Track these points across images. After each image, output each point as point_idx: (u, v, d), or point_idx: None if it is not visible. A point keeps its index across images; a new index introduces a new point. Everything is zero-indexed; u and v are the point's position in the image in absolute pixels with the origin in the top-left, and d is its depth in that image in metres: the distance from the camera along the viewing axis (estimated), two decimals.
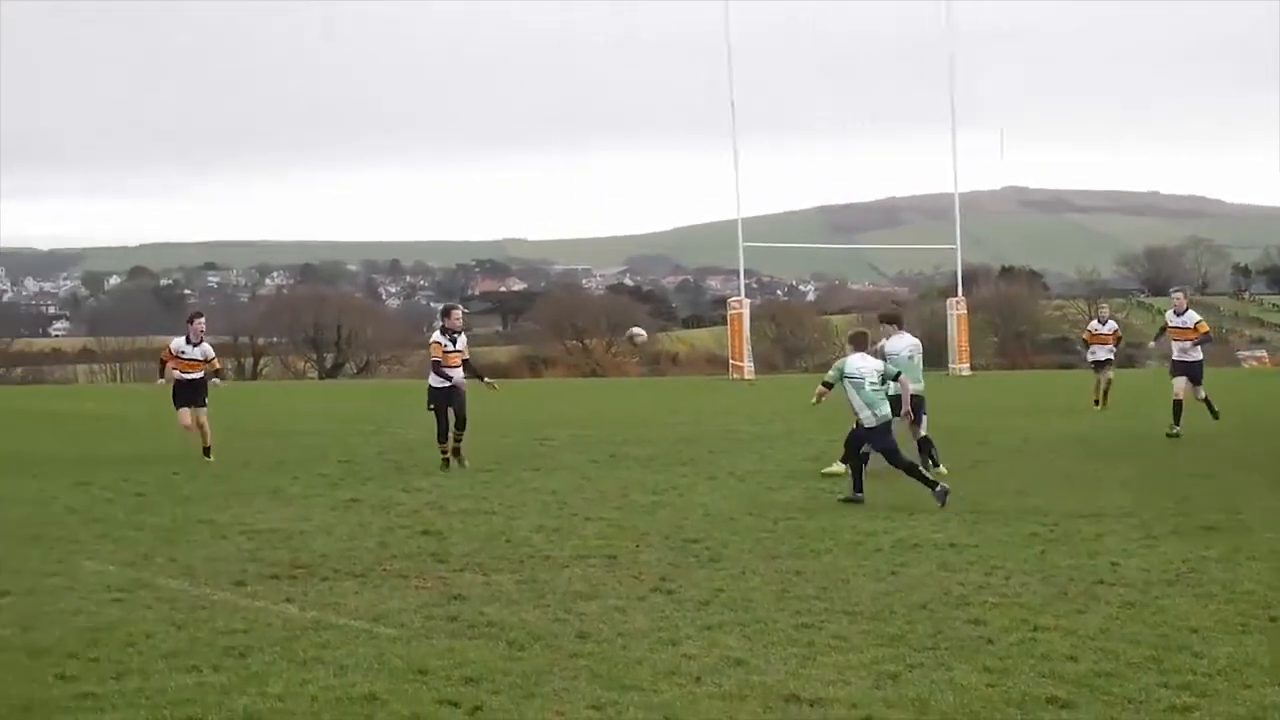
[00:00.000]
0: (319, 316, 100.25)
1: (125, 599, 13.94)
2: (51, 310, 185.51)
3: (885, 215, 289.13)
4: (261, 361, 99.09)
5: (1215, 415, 31.23)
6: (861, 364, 21.55)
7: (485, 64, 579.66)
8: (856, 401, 21.38)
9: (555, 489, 22.67)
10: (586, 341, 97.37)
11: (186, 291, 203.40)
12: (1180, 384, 30.78)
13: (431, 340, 26.87)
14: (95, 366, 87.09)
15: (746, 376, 64.59)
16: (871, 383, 21.39)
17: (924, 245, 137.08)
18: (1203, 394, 31.24)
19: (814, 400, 22.15)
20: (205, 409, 27.82)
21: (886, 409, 21.43)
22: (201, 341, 28.33)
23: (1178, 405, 30.29)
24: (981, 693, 10.48)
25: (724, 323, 77.92)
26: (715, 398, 48.73)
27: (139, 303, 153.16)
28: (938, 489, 20.49)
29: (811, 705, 10.20)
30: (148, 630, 12.47)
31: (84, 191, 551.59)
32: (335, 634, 12.39)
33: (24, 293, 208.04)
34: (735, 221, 68.63)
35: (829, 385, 21.66)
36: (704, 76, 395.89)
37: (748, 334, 67.44)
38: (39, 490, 22.38)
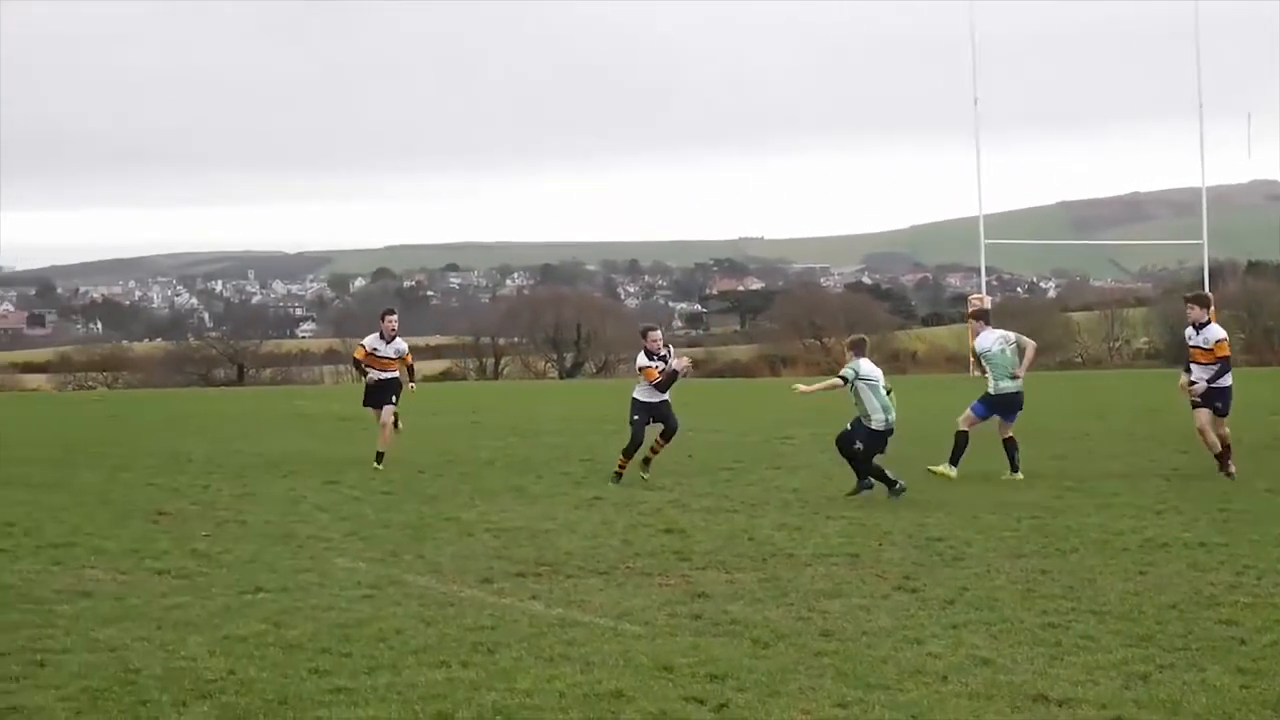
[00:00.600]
0: (558, 316, 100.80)
1: (375, 595, 14.19)
2: (299, 312, 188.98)
3: (1129, 210, 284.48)
4: (502, 361, 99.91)
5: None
6: (872, 369, 22.06)
7: (722, 63, 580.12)
8: (874, 404, 21.80)
9: (796, 487, 22.65)
10: (825, 340, 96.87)
11: (429, 293, 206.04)
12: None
13: (640, 367, 24.38)
14: (341, 367, 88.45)
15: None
16: (885, 387, 21.90)
17: (1168, 241, 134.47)
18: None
19: (804, 390, 22.54)
20: (394, 406, 26.86)
21: (894, 416, 21.99)
22: (395, 339, 27.29)
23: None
24: (1235, 694, 10.30)
25: (963, 320, 77.15)
26: (955, 395, 48.27)
27: (382, 304, 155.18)
28: (896, 486, 21.43)
29: (1060, 705, 10.10)
30: (398, 626, 12.67)
31: (333, 196, 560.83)
32: (581, 631, 12.49)
33: (272, 295, 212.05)
34: (975, 219, 67.99)
35: (844, 380, 21.98)
36: (942, 73, 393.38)
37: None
38: (289, 489, 22.83)
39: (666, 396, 24.42)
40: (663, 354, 24.31)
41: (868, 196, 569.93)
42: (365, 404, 27.31)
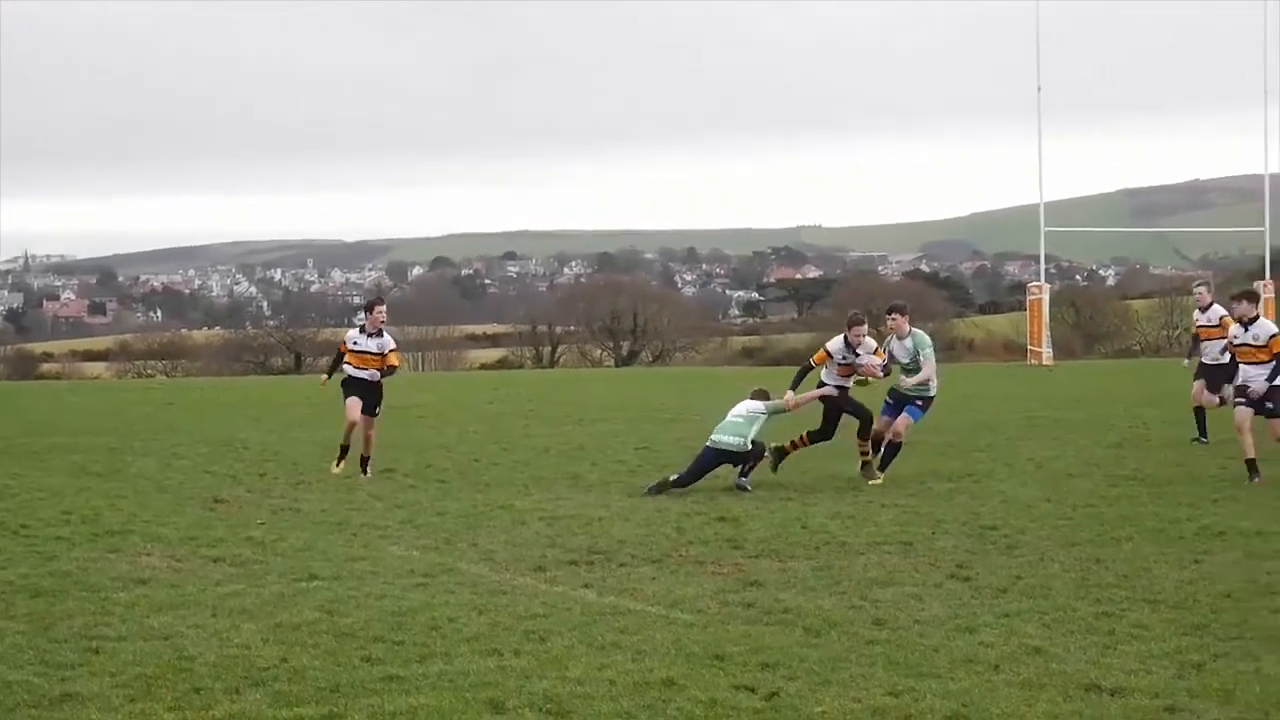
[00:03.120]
0: (615, 304, 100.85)
1: (428, 583, 14.23)
2: (357, 300, 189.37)
3: (1191, 197, 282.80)
4: (559, 350, 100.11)
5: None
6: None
7: (785, 52, 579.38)
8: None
9: (851, 475, 22.60)
10: (882, 328, 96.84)
11: (486, 281, 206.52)
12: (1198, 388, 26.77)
13: (825, 348, 22.90)
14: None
15: (1045, 362, 63.85)
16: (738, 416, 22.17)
17: (1230, 228, 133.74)
18: (1218, 400, 26.39)
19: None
20: (375, 418, 23.71)
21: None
22: (380, 332, 23.87)
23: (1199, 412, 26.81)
24: None
25: (1021, 308, 76.98)
26: (1013, 383, 48.20)
27: (440, 292, 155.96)
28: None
29: (1112, 695, 10.06)
30: (450, 614, 12.70)
31: (392, 184, 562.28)
32: (633, 619, 12.51)
33: (330, 283, 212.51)
34: (1034, 206, 67.89)
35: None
36: (1003, 60, 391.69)
37: (1047, 320, 66.62)
38: (344, 477, 22.90)
39: (848, 385, 22.81)
40: (858, 352, 22.47)
41: (927, 184, 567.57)
42: (346, 395, 23.74)
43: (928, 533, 17.15)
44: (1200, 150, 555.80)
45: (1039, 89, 67.63)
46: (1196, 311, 27.83)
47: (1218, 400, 26.32)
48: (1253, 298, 23.03)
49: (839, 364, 22.61)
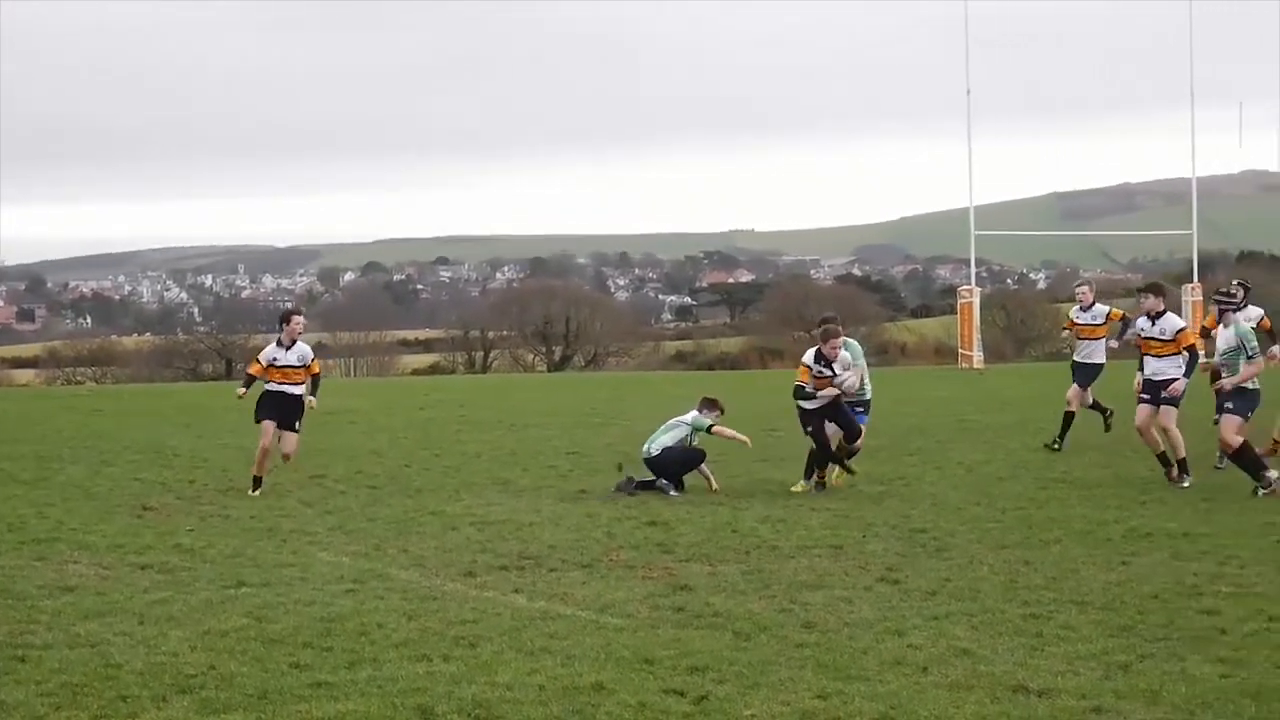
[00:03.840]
0: (548, 309, 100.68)
1: (358, 589, 14.20)
2: (288, 306, 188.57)
3: (1120, 200, 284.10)
4: (491, 355, 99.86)
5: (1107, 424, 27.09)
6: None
7: (713, 58, 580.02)
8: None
9: (782, 479, 22.63)
10: (815, 332, 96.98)
11: (418, 286, 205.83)
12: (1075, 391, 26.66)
13: (802, 364, 22.08)
14: (330, 361, 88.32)
15: (975, 366, 64.01)
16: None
17: (1158, 231, 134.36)
18: (1090, 399, 26.93)
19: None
20: (295, 435, 22.73)
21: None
22: (295, 344, 22.80)
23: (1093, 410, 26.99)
24: (1215, 684, 10.34)
25: (952, 312, 77.26)
26: (944, 387, 48.32)
27: (372, 297, 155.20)
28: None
29: (1039, 696, 10.13)
30: (380, 620, 12.68)
31: (324, 190, 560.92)
32: (563, 624, 12.52)
33: (261, 289, 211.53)
34: (966, 210, 67.99)
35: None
36: (934, 64, 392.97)
37: (978, 323, 66.80)
38: (274, 484, 22.76)
39: (828, 399, 21.76)
40: (834, 368, 21.70)
41: (858, 188, 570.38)
42: (260, 416, 22.62)
43: (858, 536, 17.21)
44: (1130, 154, 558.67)
45: (968, 92, 67.70)
46: (1077, 309, 27.78)
47: (1090, 402, 26.74)
48: (1159, 291, 22.86)
49: (814, 377, 21.84)
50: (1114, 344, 27.47)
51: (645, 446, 22.20)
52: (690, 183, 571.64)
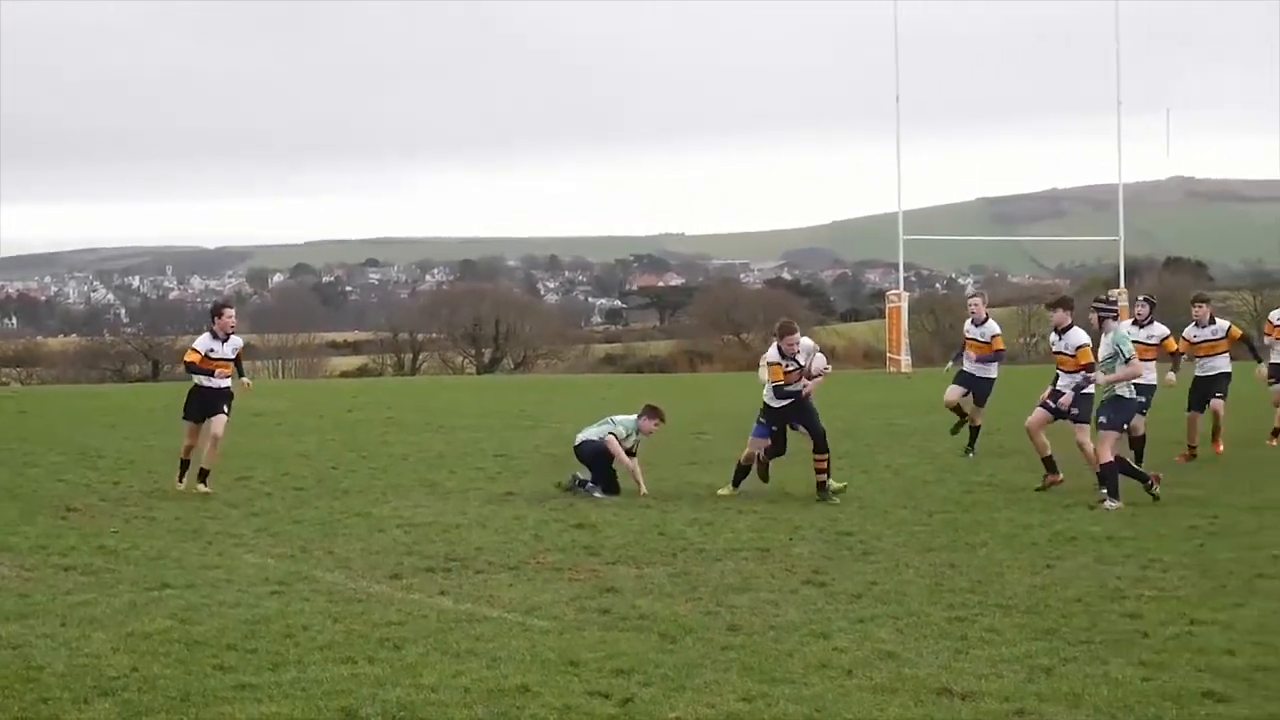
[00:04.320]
0: (477, 311, 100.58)
1: (283, 591, 14.13)
2: (218, 299, 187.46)
3: (1048, 206, 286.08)
4: (420, 357, 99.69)
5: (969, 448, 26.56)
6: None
7: (642, 60, 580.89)
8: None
9: (710, 482, 22.66)
10: (744, 336, 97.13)
11: (348, 288, 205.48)
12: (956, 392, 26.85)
13: (769, 363, 21.84)
14: (259, 363, 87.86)
15: (904, 370, 64.28)
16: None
17: (1086, 237, 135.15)
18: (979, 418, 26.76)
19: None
20: (224, 417, 22.64)
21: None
22: (230, 336, 23.03)
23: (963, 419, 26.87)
24: (1136, 687, 10.39)
25: (882, 316, 77.51)
26: (873, 391, 48.46)
27: (301, 299, 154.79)
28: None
29: (963, 699, 10.16)
30: (305, 622, 12.62)
31: (253, 192, 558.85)
32: (489, 626, 12.49)
33: (189, 290, 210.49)
34: (895, 215, 68.28)
35: None
36: (863, 70, 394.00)
37: (905, 327, 67.07)
38: (199, 470, 22.65)
39: (795, 397, 21.67)
40: (799, 360, 21.66)
41: (788, 193, 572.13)
42: (189, 416, 22.75)
43: (784, 539, 17.24)
44: (1058, 159, 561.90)
45: (897, 98, 68.02)
46: (969, 323, 27.25)
47: (979, 420, 26.72)
48: (1067, 305, 22.55)
49: (787, 373, 21.59)
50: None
51: (577, 437, 22.27)
52: (621, 186, 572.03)
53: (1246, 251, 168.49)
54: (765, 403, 21.87)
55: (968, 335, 27.18)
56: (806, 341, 22.05)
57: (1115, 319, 20.81)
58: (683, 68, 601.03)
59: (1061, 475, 21.44)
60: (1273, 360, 27.63)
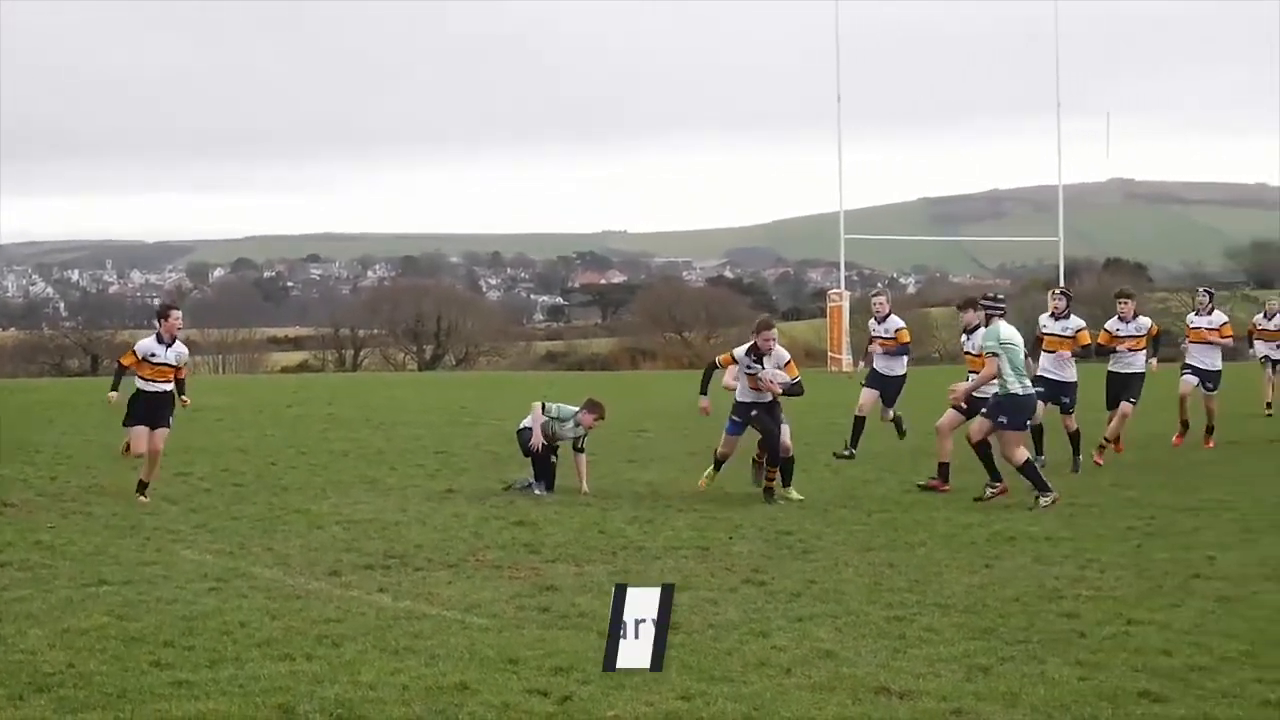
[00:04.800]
0: (419, 308, 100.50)
1: (221, 588, 14.07)
2: (156, 302, 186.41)
3: (989, 207, 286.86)
4: (362, 353, 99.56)
5: (901, 434, 27.48)
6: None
7: (585, 56, 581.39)
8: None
9: (650, 480, 22.70)
10: (686, 334, 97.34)
11: (289, 284, 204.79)
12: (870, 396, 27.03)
13: (730, 353, 21.90)
14: (199, 358, 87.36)
15: (845, 369, 64.39)
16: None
17: (1026, 237, 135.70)
18: (891, 414, 27.30)
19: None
20: (167, 430, 21.40)
21: None
22: (175, 341, 21.51)
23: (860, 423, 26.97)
24: (1073, 686, 10.43)
25: (823, 315, 77.66)
26: (813, 390, 48.50)
27: (242, 294, 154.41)
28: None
29: (901, 698, 10.19)
30: (243, 619, 12.57)
31: (193, 186, 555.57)
32: (428, 624, 12.46)
33: (130, 285, 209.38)
34: (837, 214, 68.47)
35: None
36: (806, 69, 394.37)
37: (847, 327, 67.18)
38: (138, 481, 22.57)
39: (769, 398, 21.34)
40: (763, 362, 21.19)
41: (731, 191, 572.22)
42: (130, 422, 21.33)
43: (724, 538, 17.26)
44: (999, 161, 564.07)
45: (839, 97, 68.19)
46: (872, 321, 27.48)
47: (891, 415, 27.02)
48: (975, 305, 22.46)
49: (745, 372, 21.34)
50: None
51: (520, 424, 22.25)
52: (563, 183, 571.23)
53: (1186, 253, 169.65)
54: (736, 399, 21.69)
55: (873, 333, 27.30)
56: (781, 353, 21.59)
57: (1003, 316, 20.74)
58: (625, 66, 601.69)
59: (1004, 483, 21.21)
60: (1188, 362, 28.51)
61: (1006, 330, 20.42)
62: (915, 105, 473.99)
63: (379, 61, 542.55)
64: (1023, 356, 20.62)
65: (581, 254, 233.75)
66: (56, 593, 13.80)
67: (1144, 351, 25.65)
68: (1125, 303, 25.80)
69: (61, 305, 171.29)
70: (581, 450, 22.07)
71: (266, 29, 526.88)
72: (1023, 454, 20.13)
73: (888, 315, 27.03)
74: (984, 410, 20.74)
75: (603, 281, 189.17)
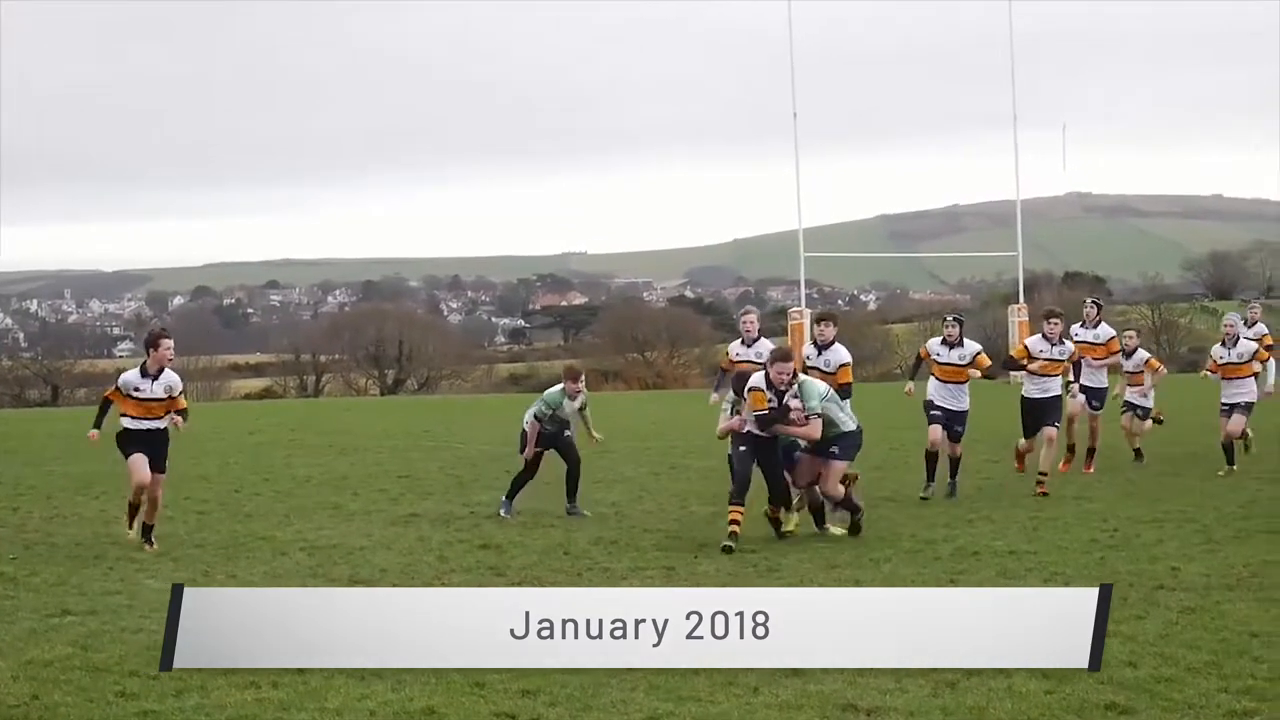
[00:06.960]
0: (380, 332, 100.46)
1: None
2: (116, 331, 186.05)
3: (948, 222, 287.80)
4: (323, 379, 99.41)
5: None
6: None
7: (545, 77, 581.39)
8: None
9: (614, 500, 22.70)
10: (647, 354, 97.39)
11: (249, 310, 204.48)
12: None
13: (751, 389, 18.79)
14: None
15: None
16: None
17: (985, 253, 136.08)
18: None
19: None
20: (163, 476, 19.18)
21: None
22: (163, 372, 19.25)
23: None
24: (1040, 700, 10.45)
25: (784, 334, 77.71)
26: None
27: (202, 322, 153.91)
28: None
29: (868, 714, 10.20)
30: None
31: (150, 213, 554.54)
32: None
33: (89, 314, 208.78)
34: (796, 232, 68.46)
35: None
36: (762, 86, 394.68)
37: (808, 344, 67.29)
38: (100, 510, 22.48)
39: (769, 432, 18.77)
40: (782, 391, 18.49)
41: (690, 211, 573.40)
42: (131, 451, 18.97)
43: (690, 558, 17.25)
44: (957, 176, 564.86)
45: (795, 115, 68.20)
46: (737, 344, 22.75)
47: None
48: (831, 319, 21.66)
49: (768, 404, 18.74)
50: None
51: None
52: (523, 205, 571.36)
53: (1144, 265, 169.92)
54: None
55: (734, 359, 22.71)
56: (819, 387, 19.12)
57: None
58: (582, 85, 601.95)
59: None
60: (1081, 381, 24.87)
61: (812, 387, 18.82)
62: (873, 121, 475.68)
63: (334, 84, 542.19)
64: (836, 396, 19.39)
65: (542, 276, 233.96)
66: (20, 624, 13.73)
67: (1058, 377, 23.74)
68: (1054, 323, 23.61)
69: (21, 336, 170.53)
70: (584, 409, 22.14)
71: (221, 52, 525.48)
72: (838, 489, 19.02)
73: (758, 337, 22.42)
74: (814, 449, 19.09)
75: (564, 303, 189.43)
